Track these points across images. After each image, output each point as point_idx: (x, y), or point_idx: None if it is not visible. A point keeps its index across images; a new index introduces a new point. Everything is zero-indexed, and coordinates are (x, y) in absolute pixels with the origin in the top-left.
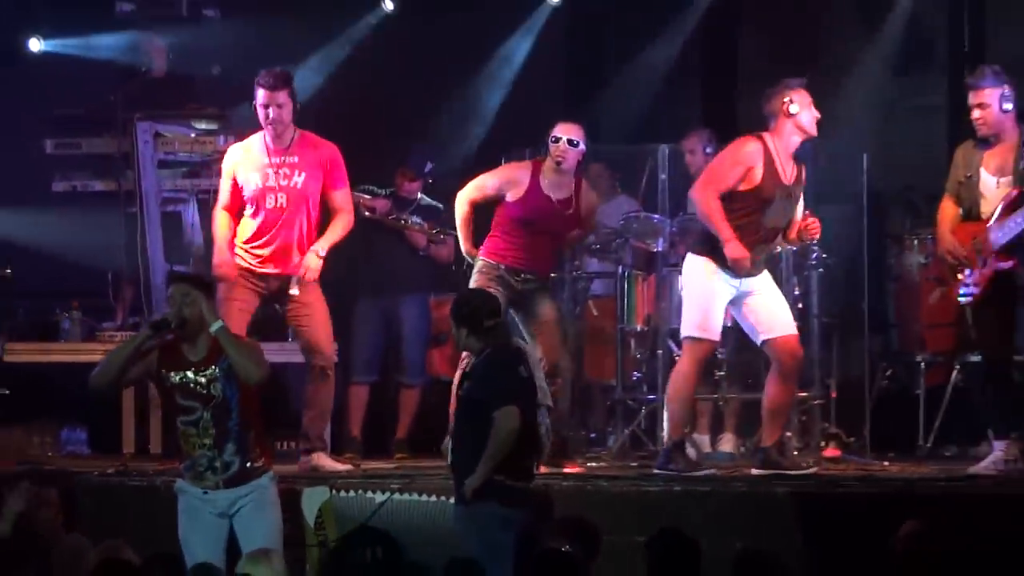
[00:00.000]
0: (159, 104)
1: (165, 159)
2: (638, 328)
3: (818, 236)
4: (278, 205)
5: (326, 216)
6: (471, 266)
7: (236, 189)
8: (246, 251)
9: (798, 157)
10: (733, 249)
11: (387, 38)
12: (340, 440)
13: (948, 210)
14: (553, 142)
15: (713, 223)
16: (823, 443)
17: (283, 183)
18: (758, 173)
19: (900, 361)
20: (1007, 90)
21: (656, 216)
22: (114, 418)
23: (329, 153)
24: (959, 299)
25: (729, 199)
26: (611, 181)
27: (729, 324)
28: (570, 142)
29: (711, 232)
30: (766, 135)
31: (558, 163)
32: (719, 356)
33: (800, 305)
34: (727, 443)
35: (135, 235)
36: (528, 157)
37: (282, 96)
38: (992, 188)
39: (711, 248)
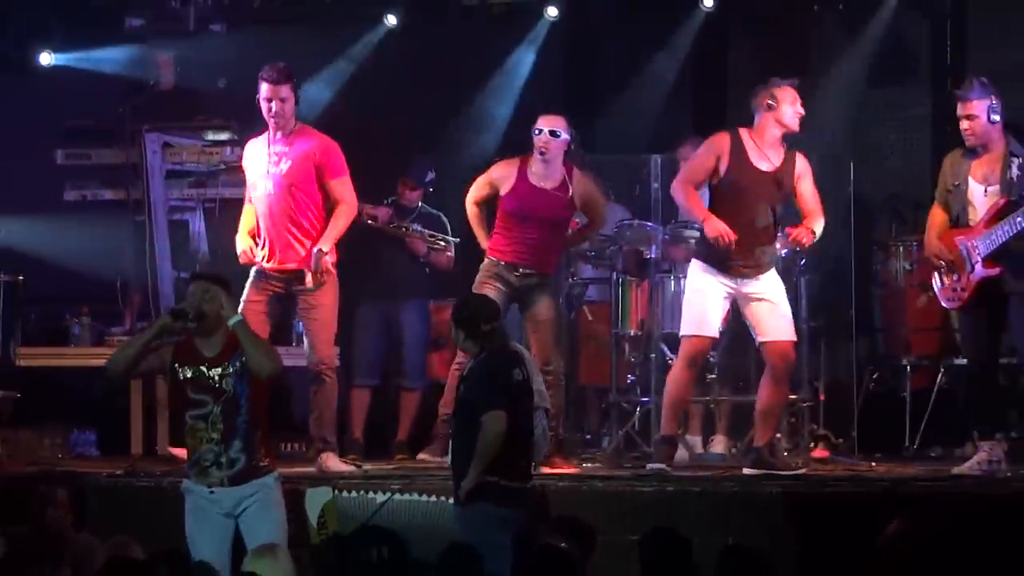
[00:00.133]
0: (167, 116)
1: (172, 169)
2: (632, 332)
3: (804, 243)
4: (265, 192)
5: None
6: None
7: (247, 181)
8: (255, 245)
9: (790, 147)
10: (710, 227)
11: (390, 52)
12: (342, 442)
13: (937, 216)
14: (536, 134)
15: (689, 208)
16: (812, 444)
17: (272, 170)
18: (724, 163)
19: (886, 364)
20: (994, 101)
21: (649, 223)
22: (122, 420)
23: (322, 143)
24: (945, 304)
25: (713, 198)
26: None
27: (722, 329)
28: (552, 133)
29: (704, 234)
30: (742, 129)
31: (542, 154)
32: (711, 360)
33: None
34: (719, 444)
35: (143, 243)
36: None
37: (284, 90)
38: (980, 196)
39: (705, 249)
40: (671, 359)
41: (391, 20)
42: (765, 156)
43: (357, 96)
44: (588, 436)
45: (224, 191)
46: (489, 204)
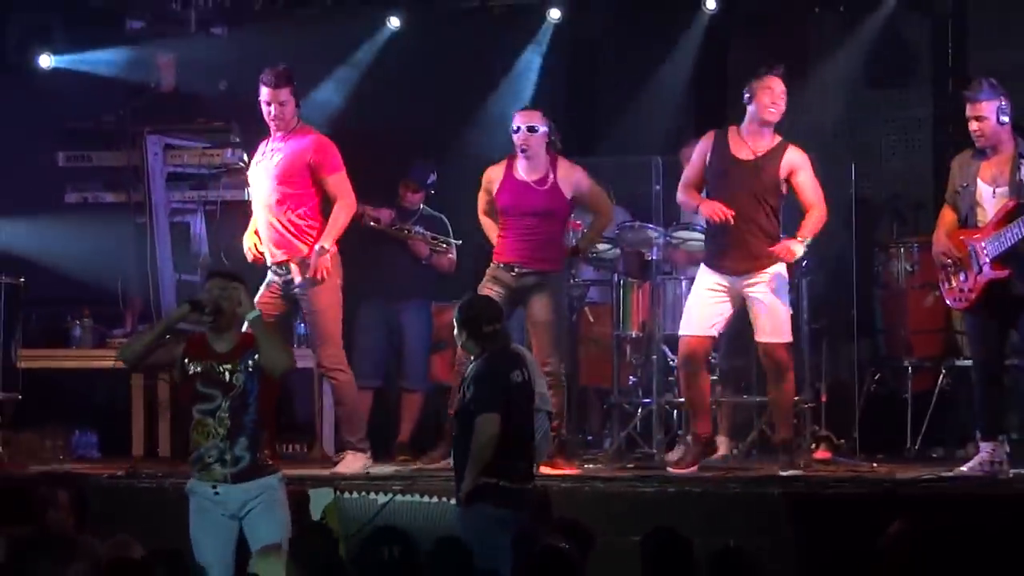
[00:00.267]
0: (168, 118)
1: (174, 171)
2: (633, 334)
3: (785, 260)
4: (257, 187)
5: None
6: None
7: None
8: (259, 242)
9: (785, 139)
10: (705, 207)
11: (391, 53)
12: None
13: (946, 217)
14: (514, 132)
15: (687, 200)
16: (813, 445)
17: (266, 165)
18: (708, 156)
19: (888, 366)
20: (1004, 102)
21: (650, 225)
22: (124, 422)
23: (316, 141)
24: (952, 304)
25: (706, 193)
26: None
27: (722, 331)
28: (529, 128)
29: (706, 230)
30: (732, 126)
31: (523, 151)
32: (712, 361)
33: (790, 311)
34: (721, 445)
35: (144, 245)
36: None
37: (284, 93)
38: (988, 198)
39: (707, 252)
40: (672, 360)
41: (395, 22)
42: (746, 146)
43: (358, 98)
44: (590, 437)
45: (225, 193)
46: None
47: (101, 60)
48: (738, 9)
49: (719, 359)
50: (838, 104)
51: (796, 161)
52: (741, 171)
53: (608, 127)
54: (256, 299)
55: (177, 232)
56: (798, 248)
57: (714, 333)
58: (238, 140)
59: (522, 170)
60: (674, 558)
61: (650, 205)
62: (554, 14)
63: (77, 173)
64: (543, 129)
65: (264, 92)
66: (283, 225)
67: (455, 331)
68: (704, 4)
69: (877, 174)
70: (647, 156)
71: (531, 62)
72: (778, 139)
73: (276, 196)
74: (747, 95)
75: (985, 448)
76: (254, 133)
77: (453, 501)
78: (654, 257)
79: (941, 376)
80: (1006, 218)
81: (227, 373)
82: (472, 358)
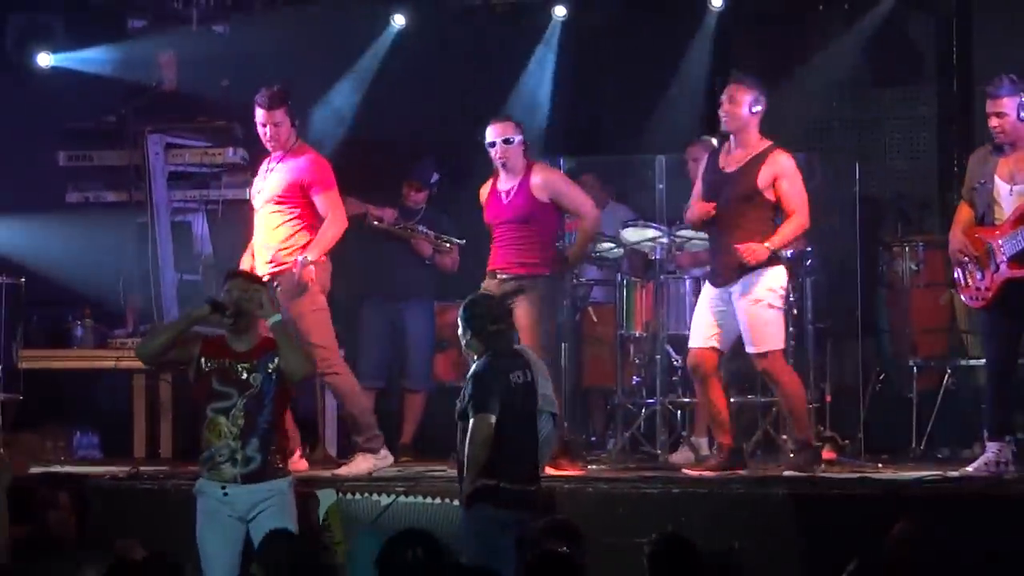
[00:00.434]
0: (169, 117)
1: (175, 170)
2: (637, 334)
3: (747, 261)
4: (255, 207)
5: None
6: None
7: None
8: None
9: (761, 165)
10: (687, 213)
11: (394, 52)
12: (347, 444)
13: (963, 213)
14: (490, 146)
15: (688, 214)
16: (818, 446)
17: (261, 185)
18: (703, 169)
19: (893, 366)
20: None
21: (653, 224)
22: (126, 423)
23: (308, 160)
24: (967, 302)
25: None
26: (602, 191)
27: (722, 342)
28: (505, 141)
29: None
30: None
31: (503, 164)
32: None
33: (795, 311)
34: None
35: (146, 245)
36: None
37: (279, 115)
38: (1006, 195)
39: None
40: (676, 360)
41: (399, 21)
42: (730, 156)
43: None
44: (593, 438)
45: (227, 193)
46: None
47: (102, 59)
48: (742, 8)
49: (721, 361)
50: (843, 103)
51: (779, 169)
52: (722, 182)
53: (611, 125)
54: None
55: (178, 231)
56: (761, 253)
57: (714, 344)
58: (240, 138)
59: (502, 182)
60: (679, 561)
61: (653, 204)
62: (559, 11)
63: (78, 172)
64: (518, 138)
65: (259, 114)
66: (273, 245)
67: (459, 331)
68: (710, 2)
69: (882, 173)
70: (651, 155)
71: (543, 61)
72: (765, 144)
73: (272, 214)
74: None
75: (991, 448)
76: (256, 132)
77: (456, 502)
78: (657, 256)
79: (946, 376)
80: (1023, 217)
81: (245, 372)
82: (475, 358)
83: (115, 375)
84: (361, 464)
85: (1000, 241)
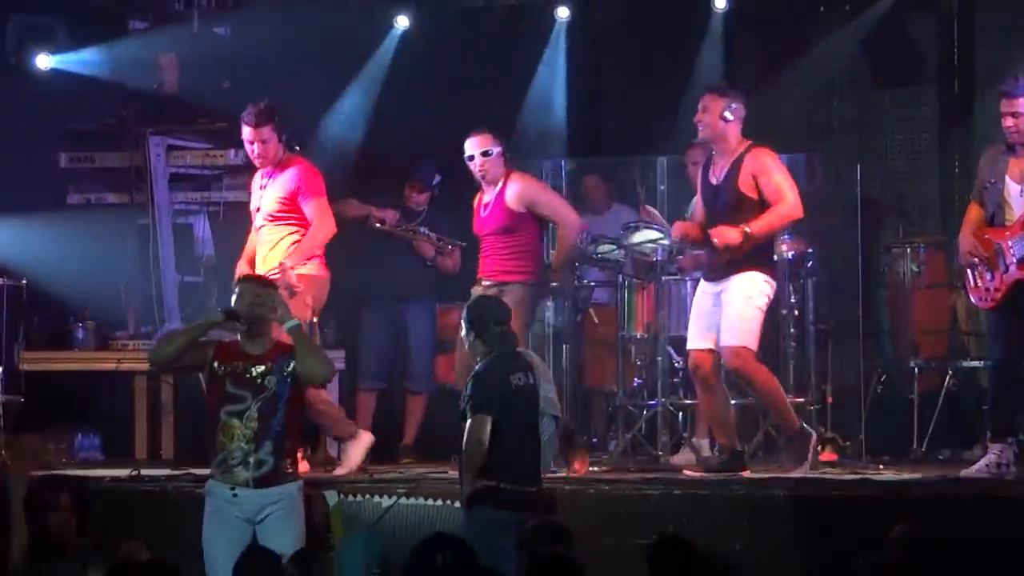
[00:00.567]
0: (170, 119)
1: (176, 172)
2: (638, 335)
3: (716, 243)
4: (256, 227)
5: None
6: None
7: None
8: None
9: (740, 167)
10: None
11: (401, 54)
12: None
13: (973, 213)
14: (468, 160)
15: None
16: (819, 447)
17: (258, 205)
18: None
19: (894, 367)
20: None
21: (655, 226)
22: (127, 424)
23: (297, 170)
24: (976, 303)
25: None
26: (607, 192)
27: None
28: (484, 154)
29: None
30: None
31: (482, 177)
32: None
33: (796, 312)
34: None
35: (147, 247)
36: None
37: (266, 131)
38: (1016, 196)
39: None
40: (677, 362)
41: (403, 22)
42: (717, 167)
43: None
44: (595, 439)
45: (228, 194)
46: None
47: (103, 60)
48: (743, 8)
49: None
50: (843, 104)
51: (755, 167)
52: (713, 195)
53: (613, 126)
54: None
55: (180, 233)
56: (732, 235)
57: (711, 345)
58: (241, 140)
59: (485, 193)
60: (680, 562)
61: (655, 205)
62: (562, 12)
63: (79, 174)
64: (497, 150)
65: (246, 131)
66: (278, 258)
67: (463, 331)
68: (714, 3)
69: (883, 174)
70: (652, 156)
71: (552, 63)
72: (742, 147)
73: (271, 232)
74: None
75: (993, 449)
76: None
77: (458, 504)
78: (659, 258)
79: (948, 377)
80: None
81: (259, 375)
82: (478, 359)
83: (116, 377)
84: (351, 454)
85: (1010, 242)
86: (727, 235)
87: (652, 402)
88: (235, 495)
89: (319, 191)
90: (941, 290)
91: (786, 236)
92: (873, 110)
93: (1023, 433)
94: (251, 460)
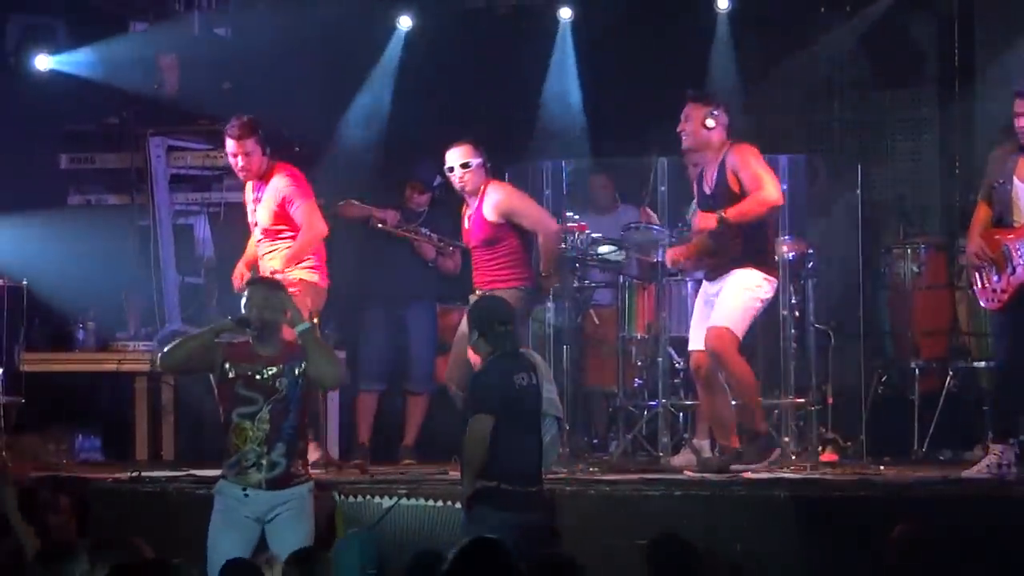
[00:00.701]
0: (171, 120)
1: (177, 173)
2: (639, 336)
3: (698, 227)
4: (255, 239)
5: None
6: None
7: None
8: (246, 272)
9: (725, 168)
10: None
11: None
12: (349, 446)
13: (981, 213)
14: (448, 172)
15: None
16: (820, 448)
17: (253, 219)
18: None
19: (895, 367)
20: None
21: (656, 227)
22: (128, 425)
23: (278, 179)
24: (984, 303)
25: None
26: (614, 193)
27: None
28: (463, 166)
29: None
30: None
31: (462, 189)
32: None
33: (797, 313)
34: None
35: (148, 248)
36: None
37: (249, 144)
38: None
39: None
40: (678, 363)
41: (406, 23)
42: (707, 175)
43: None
44: (595, 440)
45: (228, 195)
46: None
47: (104, 61)
48: (744, 10)
49: None
50: (844, 105)
51: (732, 165)
52: (706, 205)
53: (614, 127)
54: None
55: (180, 234)
56: (709, 220)
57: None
58: None
59: (469, 205)
60: (680, 563)
61: (655, 206)
62: (565, 13)
63: (80, 175)
64: (476, 162)
65: (229, 144)
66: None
67: (468, 331)
68: (716, 4)
69: (883, 175)
70: (653, 157)
71: (562, 64)
72: (723, 151)
73: (269, 245)
74: None
75: (994, 450)
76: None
77: (458, 505)
78: (660, 259)
79: (948, 378)
80: None
81: (270, 378)
82: (482, 359)
83: (117, 378)
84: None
85: (1017, 244)
86: (705, 221)
87: (653, 403)
88: (247, 495)
89: (305, 195)
90: (942, 291)
91: (787, 237)
92: (873, 111)
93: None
94: (264, 462)
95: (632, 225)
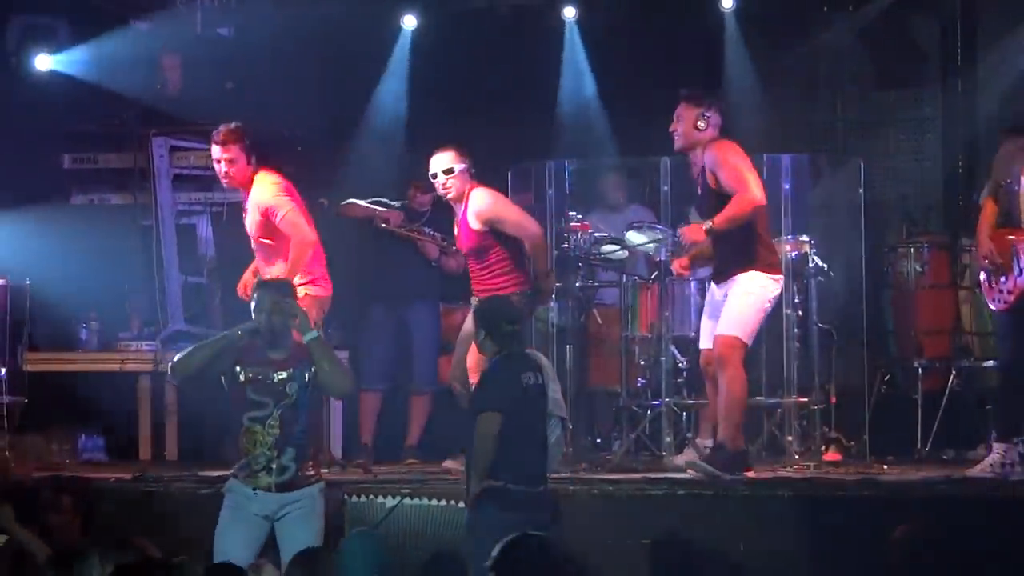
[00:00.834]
0: (173, 120)
1: (179, 173)
2: (642, 335)
3: (685, 239)
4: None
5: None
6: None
7: None
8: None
9: (708, 166)
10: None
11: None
12: (352, 446)
13: (989, 211)
14: (432, 179)
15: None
16: (824, 447)
17: (247, 229)
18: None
19: (898, 367)
20: None
21: (659, 226)
22: (131, 426)
23: (257, 189)
24: (991, 304)
25: None
26: (626, 192)
27: None
28: (446, 171)
29: None
30: None
31: (446, 196)
32: None
33: (800, 312)
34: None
35: (151, 247)
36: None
37: (234, 150)
38: None
39: None
40: (681, 362)
41: (411, 22)
42: (698, 180)
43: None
44: (598, 440)
45: (231, 195)
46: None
47: (106, 61)
48: (746, 9)
49: None
50: (847, 105)
51: (710, 165)
52: (703, 207)
53: (617, 127)
54: None
55: (183, 234)
56: (697, 233)
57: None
58: None
59: (457, 212)
60: (683, 562)
61: (659, 205)
62: (569, 12)
63: (83, 175)
64: (460, 167)
65: (213, 150)
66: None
67: (474, 330)
68: (721, 2)
69: (886, 174)
70: (655, 157)
71: (572, 63)
72: (705, 151)
73: (264, 253)
74: None
75: (998, 449)
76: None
77: (461, 505)
78: (662, 258)
79: (952, 377)
80: None
81: (281, 382)
82: (488, 358)
83: (120, 378)
84: None
85: (1022, 246)
86: (694, 234)
87: (656, 402)
88: (256, 494)
89: (287, 202)
90: (945, 290)
91: (789, 236)
92: (876, 110)
93: None
94: (274, 466)
95: (635, 224)
